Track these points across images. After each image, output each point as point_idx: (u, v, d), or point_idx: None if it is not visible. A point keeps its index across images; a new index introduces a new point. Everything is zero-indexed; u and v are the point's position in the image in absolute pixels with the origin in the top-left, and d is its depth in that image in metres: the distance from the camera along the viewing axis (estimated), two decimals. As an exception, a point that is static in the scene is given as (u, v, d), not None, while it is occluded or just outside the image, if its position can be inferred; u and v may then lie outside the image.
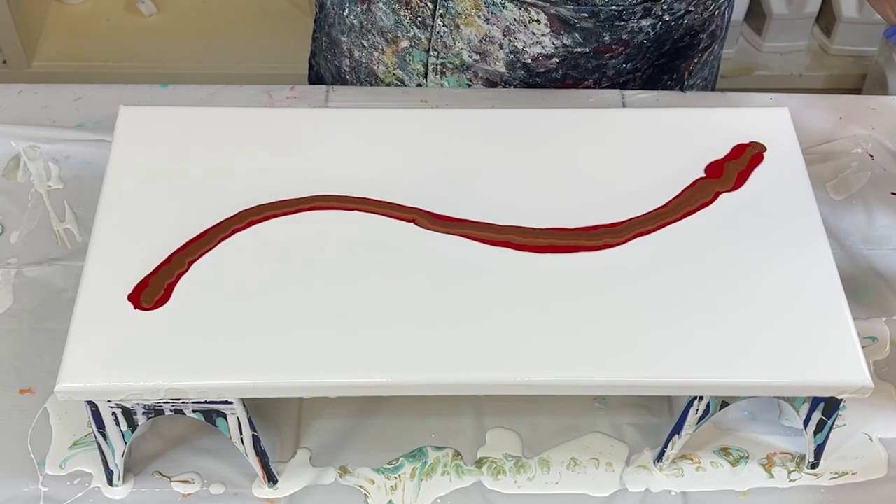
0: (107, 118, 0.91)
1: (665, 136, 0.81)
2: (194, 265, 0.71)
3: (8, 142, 0.91)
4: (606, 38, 0.92)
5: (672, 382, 0.68)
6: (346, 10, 1.00)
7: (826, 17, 1.89)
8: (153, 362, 0.66)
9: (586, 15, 0.89)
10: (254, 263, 0.72)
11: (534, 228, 0.74)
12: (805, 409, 0.72)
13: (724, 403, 0.71)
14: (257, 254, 0.72)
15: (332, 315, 0.69)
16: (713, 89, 1.08)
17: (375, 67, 1.00)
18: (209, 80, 1.00)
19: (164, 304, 0.69)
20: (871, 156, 0.94)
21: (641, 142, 0.81)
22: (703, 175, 0.78)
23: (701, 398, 0.70)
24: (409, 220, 0.75)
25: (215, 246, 0.73)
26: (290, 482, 0.74)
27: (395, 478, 0.74)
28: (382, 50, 0.98)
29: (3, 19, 1.77)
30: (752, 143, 0.80)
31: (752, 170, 0.79)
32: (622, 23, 0.90)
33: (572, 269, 0.72)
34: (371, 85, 1.01)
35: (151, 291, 0.70)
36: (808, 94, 1.00)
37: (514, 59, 0.94)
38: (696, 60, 0.99)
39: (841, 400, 0.70)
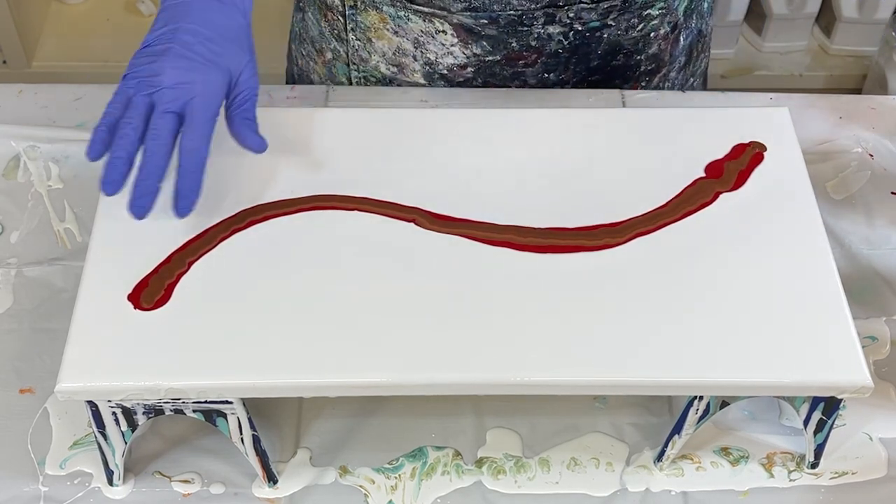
0: (107, 118, 0.91)
1: (665, 136, 0.81)
2: (194, 265, 0.71)
3: (8, 142, 0.91)
4: (514, 45, 0.91)
5: (672, 382, 0.68)
6: (293, 18, 1.01)
7: (826, 17, 1.89)
8: (153, 362, 0.66)
9: (486, 21, 0.89)
10: (254, 263, 0.72)
11: (534, 228, 0.74)
12: (805, 408, 0.72)
13: (724, 403, 0.71)
14: (257, 254, 0.72)
15: (333, 315, 0.69)
16: None
17: (312, 76, 1.01)
18: (209, 80, 1.00)
19: (164, 304, 0.69)
20: (871, 156, 0.94)
21: (641, 142, 0.81)
22: (703, 175, 0.78)
23: (701, 398, 0.70)
24: (409, 220, 0.75)
25: (215, 246, 0.73)
26: (290, 482, 0.74)
27: (396, 478, 0.74)
28: (315, 60, 0.99)
29: (3, 19, 1.77)
30: (752, 143, 0.80)
31: (752, 170, 0.79)
32: (525, 28, 0.89)
33: (572, 269, 0.72)
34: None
35: (151, 291, 0.70)
36: (808, 94, 0.99)
37: (431, 70, 0.93)
38: (642, 84, 0.97)
39: (841, 400, 0.70)
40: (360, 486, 0.74)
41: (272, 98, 0.95)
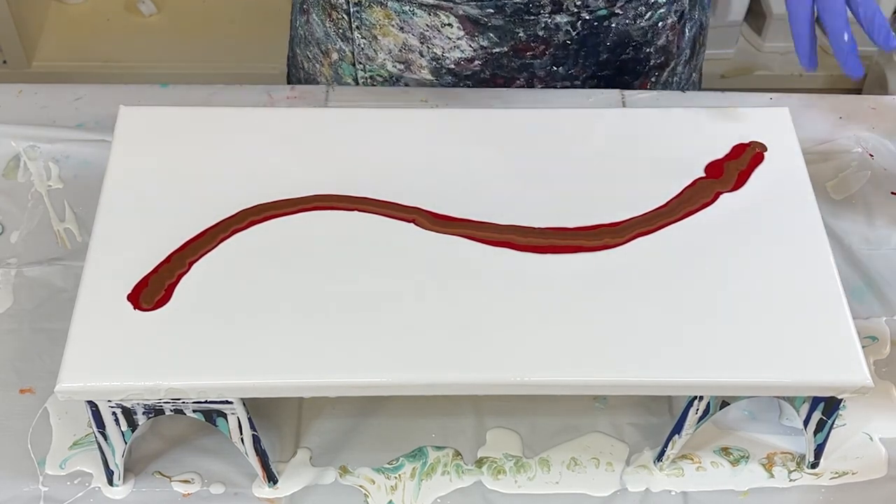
0: (107, 118, 0.91)
1: (665, 136, 0.81)
2: (194, 265, 0.71)
3: (8, 142, 0.91)
4: (522, 35, 0.90)
5: (672, 382, 0.68)
6: (297, 21, 1.00)
7: (826, 17, 1.89)
8: (153, 362, 0.66)
9: (492, 11, 0.88)
10: (254, 263, 0.72)
11: (534, 228, 0.74)
12: (805, 408, 0.72)
13: (724, 403, 0.71)
14: (257, 254, 0.72)
15: (333, 315, 0.69)
16: None
17: (319, 79, 1.00)
18: (209, 80, 1.00)
19: (164, 304, 0.69)
20: (871, 155, 0.94)
21: (641, 142, 0.81)
22: (703, 175, 0.78)
23: (701, 398, 0.70)
24: (409, 220, 0.75)
25: (215, 246, 0.73)
26: (290, 482, 0.74)
27: (396, 478, 0.74)
28: (321, 62, 0.98)
29: (3, 19, 1.78)
30: (752, 143, 0.80)
31: (752, 170, 0.79)
32: (532, 17, 0.89)
33: (572, 269, 0.72)
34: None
35: (151, 291, 0.70)
36: (808, 94, 1.00)
37: (438, 65, 0.93)
38: (652, 79, 0.98)
39: (841, 400, 0.70)
40: (360, 486, 0.74)
41: (272, 98, 0.95)
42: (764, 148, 0.80)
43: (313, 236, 0.73)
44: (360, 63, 0.94)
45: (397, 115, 0.83)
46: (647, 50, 0.95)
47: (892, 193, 0.92)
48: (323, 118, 0.82)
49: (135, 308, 0.69)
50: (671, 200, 0.77)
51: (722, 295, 0.71)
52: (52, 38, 1.90)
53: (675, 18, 0.95)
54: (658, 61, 0.97)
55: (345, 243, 0.73)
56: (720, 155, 0.80)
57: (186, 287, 0.70)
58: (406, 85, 0.95)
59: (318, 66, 0.99)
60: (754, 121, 0.82)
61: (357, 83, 0.96)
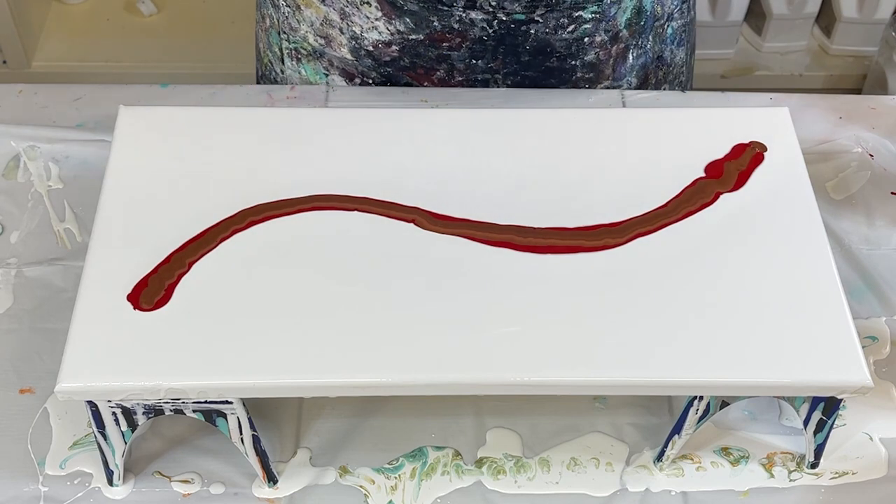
0: (107, 118, 0.91)
1: (665, 136, 0.81)
2: (194, 265, 0.71)
3: (8, 142, 0.91)
4: (437, 25, 0.89)
5: (672, 382, 0.68)
6: None
7: (826, 17, 1.89)
8: (153, 362, 0.66)
9: None
10: (254, 263, 0.72)
11: (534, 228, 0.74)
12: (805, 408, 0.72)
13: (724, 403, 0.71)
14: (257, 254, 0.72)
15: (333, 315, 0.69)
16: None
17: (259, 44, 1.00)
18: (209, 80, 1.00)
19: (164, 304, 0.69)
20: (871, 156, 0.94)
21: (641, 142, 0.81)
22: (703, 175, 0.78)
23: (701, 398, 0.70)
24: (409, 221, 0.75)
25: (215, 246, 0.73)
26: (290, 482, 0.74)
27: (395, 478, 0.74)
28: (261, 26, 0.98)
29: (3, 19, 1.77)
30: (752, 143, 0.80)
31: (752, 170, 0.79)
32: (445, 8, 0.88)
33: (572, 269, 0.72)
34: (259, 63, 1.01)
35: (151, 291, 0.70)
36: (808, 94, 1.00)
37: (357, 45, 0.92)
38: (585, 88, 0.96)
39: (841, 400, 0.70)
40: (360, 486, 0.74)
41: (272, 98, 0.95)
42: (764, 148, 0.80)
43: (313, 236, 0.73)
44: (285, 32, 0.94)
45: (397, 115, 0.83)
46: (573, 62, 0.93)
47: (892, 193, 0.92)
48: (323, 118, 0.82)
49: (135, 308, 0.69)
50: (671, 200, 0.77)
51: (722, 295, 0.71)
52: (52, 38, 1.90)
53: (606, 38, 0.93)
54: (587, 76, 0.95)
55: (345, 243, 0.73)
56: (720, 155, 0.80)
57: (186, 287, 0.70)
58: (330, 63, 0.95)
59: (259, 30, 0.99)
60: (754, 121, 0.82)
61: (282, 53, 0.96)
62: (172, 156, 0.78)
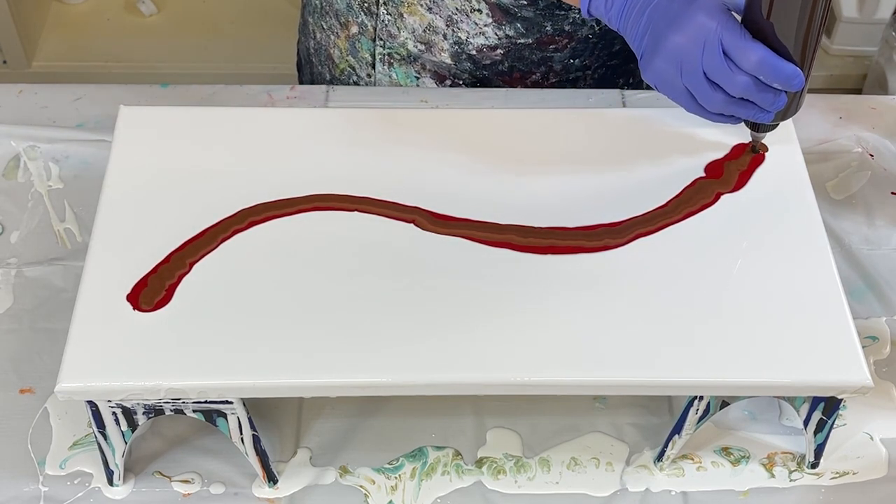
0: (107, 118, 0.91)
1: (665, 136, 0.81)
2: (195, 265, 0.71)
3: (8, 142, 0.91)
4: (548, 29, 0.91)
5: (672, 382, 0.68)
6: None
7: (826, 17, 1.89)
8: (153, 362, 0.66)
9: (525, 3, 0.89)
10: (254, 263, 0.72)
11: (534, 228, 0.74)
12: (805, 408, 0.72)
13: (724, 403, 0.71)
14: (257, 254, 0.72)
15: (333, 315, 0.69)
16: None
17: (332, 51, 1.00)
18: (209, 80, 1.00)
19: (164, 304, 0.69)
20: (872, 156, 0.94)
21: (641, 142, 0.81)
22: (703, 175, 0.78)
23: (701, 398, 0.70)
24: (409, 221, 0.75)
25: (215, 246, 0.73)
26: (290, 482, 0.74)
27: (396, 478, 0.74)
28: (337, 34, 0.98)
29: (3, 19, 1.78)
30: (752, 142, 0.80)
31: (752, 170, 0.79)
32: (563, 12, 0.89)
33: (573, 269, 0.72)
34: (328, 68, 1.00)
35: (151, 292, 0.70)
36: (808, 94, 0.99)
37: (459, 50, 0.93)
38: None
39: (841, 400, 0.70)
40: (360, 487, 0.74)
41: (272, 98, 0.95)
42: (764, 148, 0.80)
43: (313, 236, 0.73)
44: (381, 39, 0.94)
45: (397, 115, 0.83)
46: None
47: (893, 193, 0.92)
48: (323, 118, 0.82)
49: (134, 308, 0.69)
50: (671, 200, 0.77)
51: (722, 295, 0.71)
52: (52, 38, 1.90)
53: None
54: None
55: (345, 243, 0.73)
56: (720, 155, 0.80)
57: (186, 287, 0.70)
58: (423, 66, 0.95)
59: (332, 37, 0.99)
60: (754, 121, 0.82)
61: (374, 59, 0.96)
62: (172, 156, 0.78)
